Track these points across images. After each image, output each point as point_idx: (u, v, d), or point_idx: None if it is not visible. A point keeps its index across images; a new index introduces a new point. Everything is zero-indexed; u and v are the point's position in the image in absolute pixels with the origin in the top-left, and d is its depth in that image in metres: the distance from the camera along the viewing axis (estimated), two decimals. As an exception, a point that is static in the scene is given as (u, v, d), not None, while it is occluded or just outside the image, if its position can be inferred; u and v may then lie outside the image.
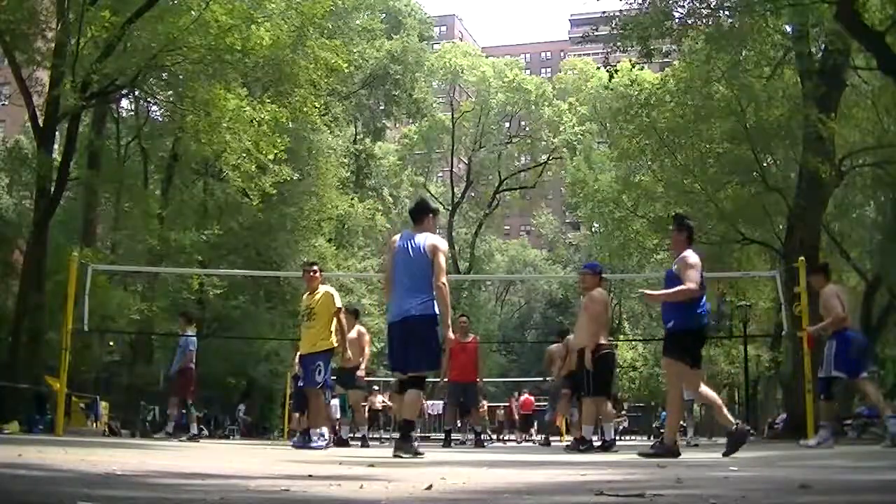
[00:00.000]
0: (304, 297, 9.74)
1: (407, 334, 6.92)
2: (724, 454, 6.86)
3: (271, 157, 18.88)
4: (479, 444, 13.04)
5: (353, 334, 11.52)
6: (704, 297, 7.12)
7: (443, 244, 7.22)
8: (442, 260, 7.01)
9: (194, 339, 13.76)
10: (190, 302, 26.40)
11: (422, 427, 20.45)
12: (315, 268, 9.88)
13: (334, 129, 32.64)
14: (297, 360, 10.89)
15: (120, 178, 23.91)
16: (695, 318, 7.02)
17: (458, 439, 14.91)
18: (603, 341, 9.26)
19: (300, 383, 9.87)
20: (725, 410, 7.16)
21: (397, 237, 7.40)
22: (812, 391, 10.88)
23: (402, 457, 6.65)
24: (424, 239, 7.07)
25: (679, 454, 6.94)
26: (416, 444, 7.15)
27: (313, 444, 9.19)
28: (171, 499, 2.94)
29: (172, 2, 18.28)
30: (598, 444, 9.68)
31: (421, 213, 7.31)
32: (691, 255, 7.11)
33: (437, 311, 6.96)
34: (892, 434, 8.66)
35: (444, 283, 6.95)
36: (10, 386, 15.96)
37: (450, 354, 12.54)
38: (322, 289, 9.62)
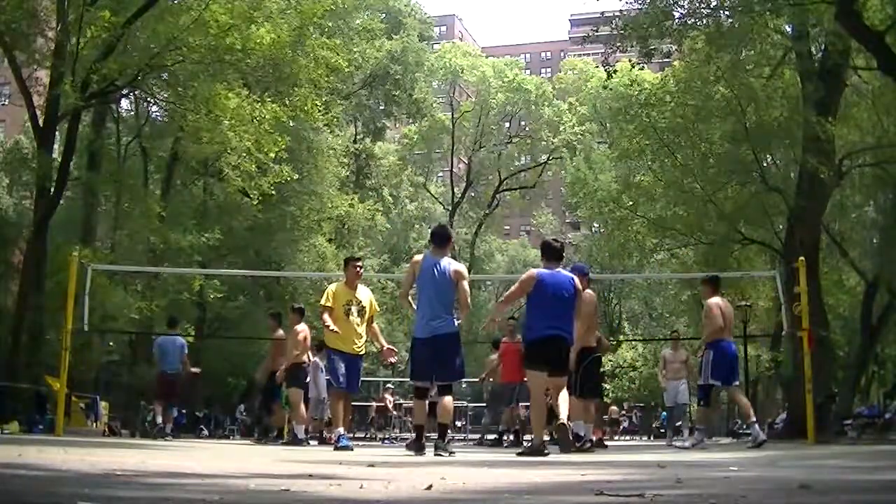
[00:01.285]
0: (341, 289, 9.21)
1: (436, 350, 7.80)
2: (519, 453, 7.56)
3: (272, 155, 18.88)
4: (497, 443, 13.18)
5: (302, 333, 12.13)
6: (543, 312, 7.63)
7: (466, 271, 8.18)
8: (466, 286, 8.03)
9: (161, 340, 14.26)
10: (190, 302, 26.41)
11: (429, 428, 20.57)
12: (361, 263, 9.76)
13: (334, 128, 32.63)
14: (318, 353, 10.83)
15: (120, 178, 23.90)
16: (538, 329, 7.67)
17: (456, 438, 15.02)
18: (593, 343, 9.31)
19: (341, 380, 9.09)
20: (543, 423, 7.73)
21: (420, 258, 8.16)
22: (812, 391, 10.93)
23: (442, 455, 7.38)
24: (448, 264, 7.93)
25: (546, 454, 7.27)
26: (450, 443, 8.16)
27: (343, 444, 9.13)
28: (171, 499, 2.94)
29: (172, 2, 18.29)
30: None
31: (446, 239, 8.13)
32: (529, 273, 7.99)
33: (457, 329, 7.93)
34: (755, 436, 9.82)
35: (469, 308, 8.15)
36: (10, 386, 15.97)
37: (502, 355, 12.99)
38: (363, 288, 9.40)
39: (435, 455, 7.41)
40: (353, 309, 9.07)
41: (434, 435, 8.47)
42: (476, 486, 3.71)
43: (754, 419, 10.11)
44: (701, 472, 4.88)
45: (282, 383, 12.42)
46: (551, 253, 7.96)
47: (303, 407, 12.20)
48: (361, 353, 9.22)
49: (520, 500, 3.10)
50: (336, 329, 8.80)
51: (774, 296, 20.56)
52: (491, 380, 14.55)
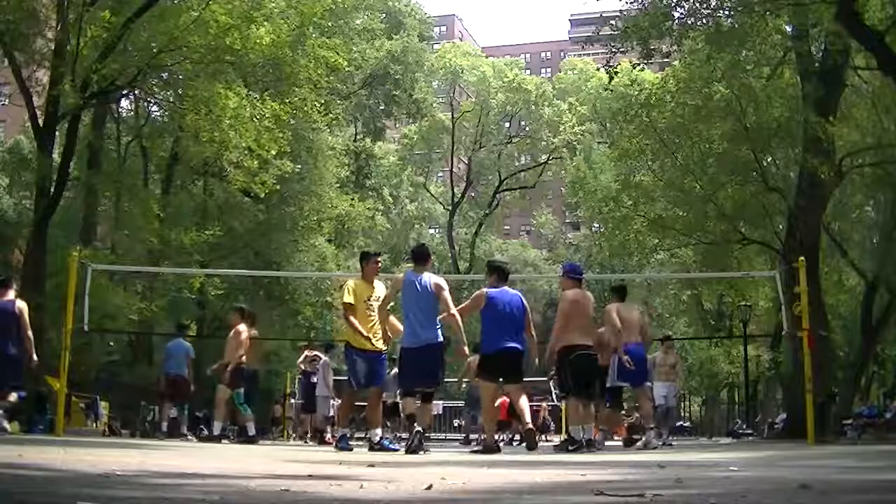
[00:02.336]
0: (361, 285, 9.08)
1: (423, 357, 8.44)
2: (473, 451, 8.77)
3: (273, 153, 18.87)
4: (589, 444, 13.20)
5: (244, 334, 12.30)
6: (497, 327, 8.53)
7: (445, 283, 8.70)
8: (447, 295, 8.53)
9: (169, 344, 14.65)
10: (190, 302, 26.39)
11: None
12: (380, 258, 9.78)
13: (334, 128, 32.61)
14: (336, 351, 10.90)
15: (120, 178, 23.88)
16: (493, 343, 8.59)
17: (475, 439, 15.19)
18: (579, 342, 9.26)
19: (361, 380, 8.96)
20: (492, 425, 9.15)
21: (402, 276, 8.92)
22: (812, 391, 10.92)
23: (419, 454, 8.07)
24: (429, 279, 8.59)
25: (499, 451, 8.69)
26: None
27: (390, 446, 9.05)
28: (171, 499, 2.94)
29: (172, 2, 18.28)
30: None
31: (425, 257, 8.95)
32: (480, 291, 8.85)
33: (442, 338, 8.57)
34: (647, 441, 10.48)
35: (454, 313, 8.47)
36: (11, 386, 15.92)
37: None
38: (378, 282, 9.32)
39: (406, 453, 8.13)
40: (374, 305, 8.98)
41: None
42: (476, 486, 3.71)
43: (652, 425, 10.74)
44: (701, 472, 4.88)
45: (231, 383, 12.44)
46: (501, 273, 8.92)
47: (224, 406, 12.27)
48: (383, 349, 9.15)
49: (520, 500, 3.10)
50: (363, 331, 8.76)
51: (774, 296, 20.55)
52: (466, 381, 14.63)
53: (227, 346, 12.49)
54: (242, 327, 12.41)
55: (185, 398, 14.73)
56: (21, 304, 11.09)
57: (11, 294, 11.19)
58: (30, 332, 10.99)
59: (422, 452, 8.17)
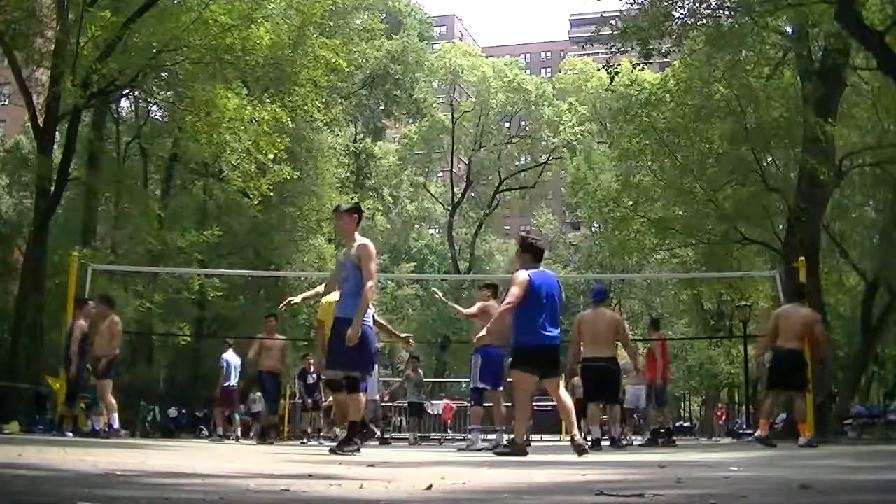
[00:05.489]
0: None
1: (337, 336, 6.97)
2: (496, 452, 7.61)
3: (271, 156, 18.88)
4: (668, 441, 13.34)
5: (119, 325, 11.87)
6: (543, 314, 7.08)
7: (371, 247, 7.17)
8: (373, 266, 7.05)
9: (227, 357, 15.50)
10: (190, 302, 26.38)
11: (421, 427, 20.39)
12: None
13: (334, 128, 32.59)
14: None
15: (120, 179, 23.87)
16: (522, 336, 7.16)
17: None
18: (589, 355, 10.32)
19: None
20: (573, 418, 7.10)
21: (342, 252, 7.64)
22: (812, 391, 10.93)
23: (340, 453, 6.80)
24: (352, 246, 7.20)
25: (527, 454, 7.06)
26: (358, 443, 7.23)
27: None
28: (171, 499, 2.94)
29: (172, 2, 18.29)
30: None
31: (346, 214, 7.40)
32: (521, 273, 7.19)
33: (350, 314, 6.96)
34: (471, 442, 10.31)
35: (370, 286, 7.01)
36: (10, 386, 15.96)
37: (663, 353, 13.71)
38: None
39: (329, 452, 7.16)
40: None
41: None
42: (476, 486, 3.71)
43: (502, 427, 10.30)
44: (701, 472, 4.88)
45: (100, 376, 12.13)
46: (536, 252, 7.50)
47: (111, 399, 11.90)
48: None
49: (520, 501, 3.10)
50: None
51: (774, 295, 20.57)
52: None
53: (102, 338, 11.64)
54: (117, 318, 11.92)
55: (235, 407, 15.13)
56: (79, 325, 11.48)
57: (80, 317, 11.63)
58: (75, 348, 11.45)
59: (350, 452, 6.86)
